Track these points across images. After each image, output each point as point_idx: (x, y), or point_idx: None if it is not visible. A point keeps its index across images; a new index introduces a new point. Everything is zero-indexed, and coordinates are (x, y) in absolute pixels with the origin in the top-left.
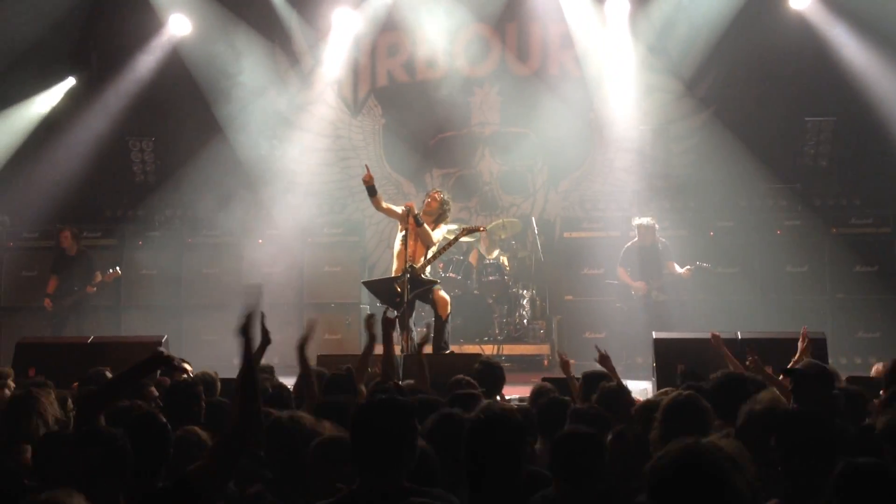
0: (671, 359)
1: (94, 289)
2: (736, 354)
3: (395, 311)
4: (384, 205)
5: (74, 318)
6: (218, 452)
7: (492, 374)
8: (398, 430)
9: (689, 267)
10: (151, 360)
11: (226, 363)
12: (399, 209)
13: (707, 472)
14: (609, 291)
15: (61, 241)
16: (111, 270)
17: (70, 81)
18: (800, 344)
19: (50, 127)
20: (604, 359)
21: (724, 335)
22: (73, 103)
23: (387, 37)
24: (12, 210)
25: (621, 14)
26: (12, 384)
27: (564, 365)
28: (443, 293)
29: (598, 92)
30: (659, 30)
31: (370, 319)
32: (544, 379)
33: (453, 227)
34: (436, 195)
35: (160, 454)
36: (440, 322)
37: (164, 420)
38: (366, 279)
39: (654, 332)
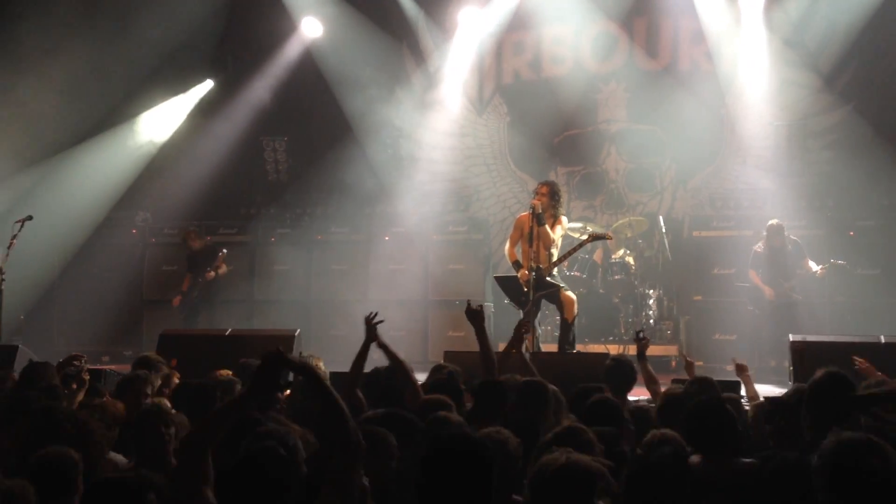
0: (809, 363)
1: (213, 273)
2: (880, 361)
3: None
4: (514, 246)
5: (205, 310)
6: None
7: (622, 372)
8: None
9: (823, 265)
10: (268, 366)
11: (352, 358)
12: (516, 230)
13: None
14: (740, 293)
15: (188, 242)
16: (220, 253)
17: (208, 84)
18: None
19: (188, 128)
20: (739, 368)
21: (865, 340)
22: (210, 105)
23: (512, 35)
24: (154, 207)
25: (756, 6)
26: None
27: (689, 367)
28: (569, 293)
29: (731, 87)
30: (795, 22)
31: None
32: (674, 381)
33: (576, 224)
34: (543, 189)
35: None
36: (566, 323)
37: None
38: (493, 275)
39: (790, 335)
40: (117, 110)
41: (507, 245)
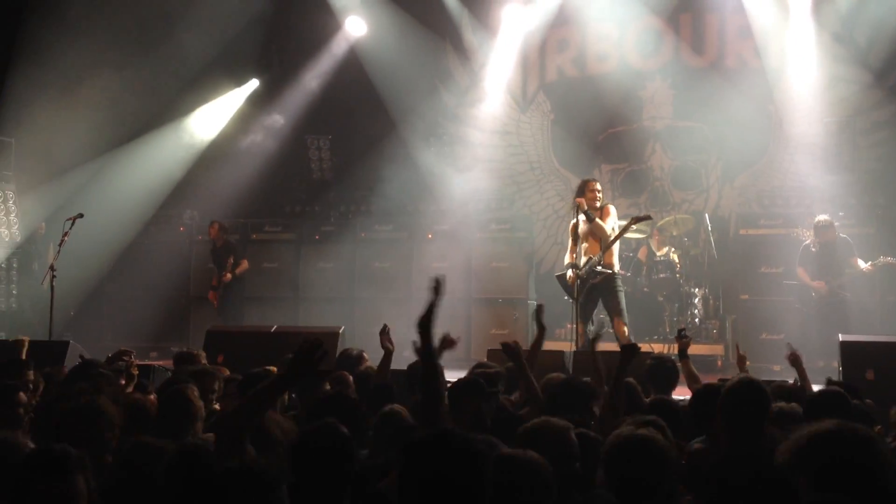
0: (859, 364)
1: (229, 275)
2: None
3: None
4: (572, 253)
5: (231, 309)
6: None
7: (664, 371)
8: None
9: (872, 262)
10: (304, 353)
11: (395, 355)
12: (570, 237)
13: None
14: (788, 291)
15: (210, 233)
16: (228, 261)
17: (254, 83)
18: None
19: (235, 126)
20: (794, 359)
21: None
22: (256, 104)
23: (556, 32)
24: (201, 205)
25: (804, 1)
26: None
27: (741, 360)
28: (624, 326)
29: (779, 83)
30: (845, 17)
31: (539, 311)
32: (720, 380)
33: (621, 222)
34: (593, 185)
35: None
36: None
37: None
38: (535, 274)
39: (840, 335)
40: (166, 110)
41: (568, 253)
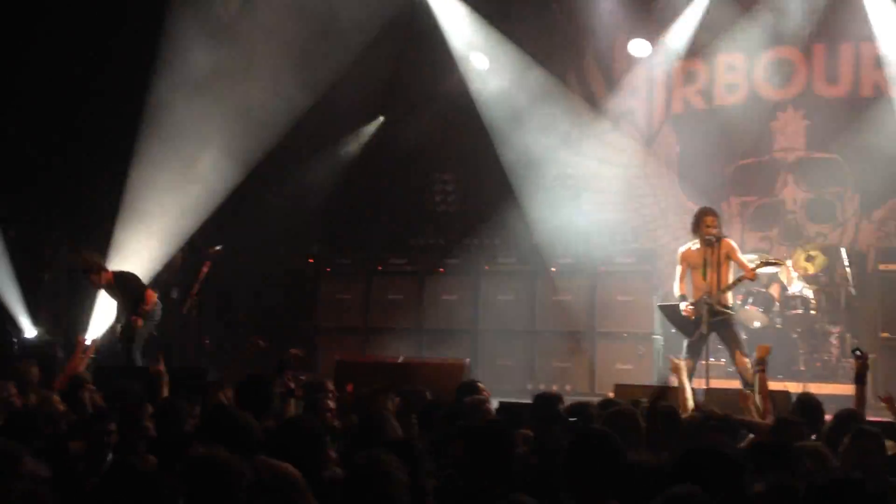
0: None
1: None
2: None
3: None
4: (682, 281)
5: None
6: None
7: (811, 409)
8: None
9: None
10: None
11: (519, 387)
12: (680, 265)
13: None
14: None
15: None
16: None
17: (379, 120)
18: None
19: (362, 162)
20: (888, 402)
21: None
22: (382, 140)
23: (683, 64)
24: (329, 237)
25: None
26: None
27: (888, 402)
28: (745, 359)
29: None
30: None
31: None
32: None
33: (751, 256)
34: (709, 220)
35: None
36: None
37: None
38: (658, 304)
39: None
40: (293, 147)
41: (675, 283)
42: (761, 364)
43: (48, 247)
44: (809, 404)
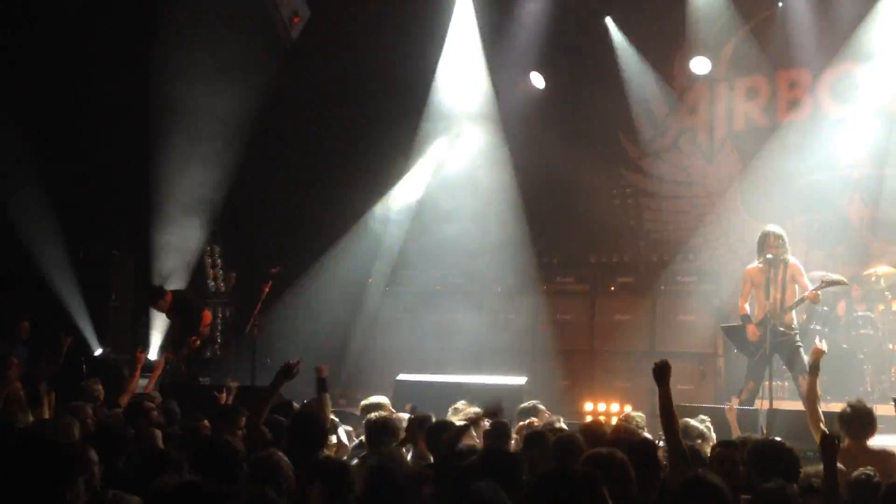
0: None
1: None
2: None
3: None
4: (745, 301)
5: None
6: None
7: (859, 417)
8: None
9: None
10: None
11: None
12: (745, 284)
13: None
14: None
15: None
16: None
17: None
18: None
19: None
20: None
21: None
22: None
23: (745, 80)
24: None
25: None
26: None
27: None
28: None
29: None
30: None
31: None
32: None
33: (815, 274)
34: (773, 240)
35: None
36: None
37: None
38: (721, 325)
39: None
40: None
41: (740, 300)
42: (814, 369)
43: (114, 268)
44: None
